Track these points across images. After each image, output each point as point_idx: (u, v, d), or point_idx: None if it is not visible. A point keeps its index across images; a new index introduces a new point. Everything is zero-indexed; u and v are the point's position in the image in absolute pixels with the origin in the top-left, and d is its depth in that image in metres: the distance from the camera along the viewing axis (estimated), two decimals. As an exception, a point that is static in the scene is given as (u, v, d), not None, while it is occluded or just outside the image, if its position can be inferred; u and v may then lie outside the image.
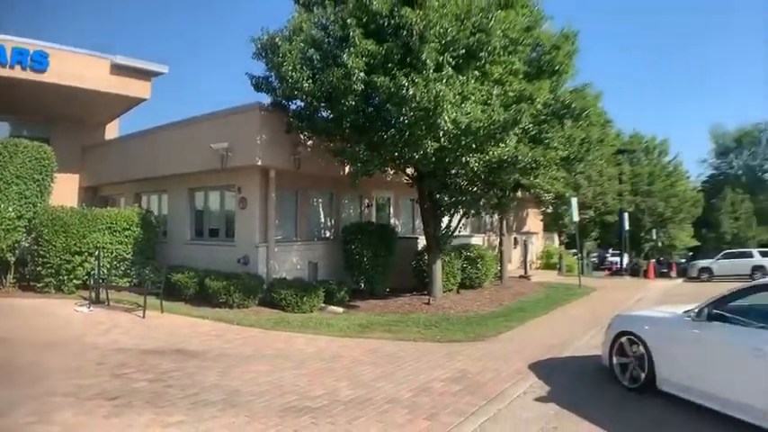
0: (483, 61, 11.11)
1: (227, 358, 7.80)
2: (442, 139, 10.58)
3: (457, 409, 5.79)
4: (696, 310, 6.16)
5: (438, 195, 12.84)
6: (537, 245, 28.04)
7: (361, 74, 10.41)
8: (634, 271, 33.24)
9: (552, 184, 14.43)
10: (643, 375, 6.63)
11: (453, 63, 10.54)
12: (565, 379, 7.27)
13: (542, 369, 7.63)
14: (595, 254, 47.99)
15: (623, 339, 7.05)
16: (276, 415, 5.44)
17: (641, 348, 6.70)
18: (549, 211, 26.57)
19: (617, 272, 32.68)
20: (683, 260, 42.86)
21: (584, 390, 6.85)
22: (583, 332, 10.35)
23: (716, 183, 68.06)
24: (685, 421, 5.68)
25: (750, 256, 32.71)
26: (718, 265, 31.58)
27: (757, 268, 29.37)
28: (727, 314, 5.83)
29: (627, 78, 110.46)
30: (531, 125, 11.99)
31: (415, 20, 10.09)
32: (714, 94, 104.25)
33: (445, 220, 13.94)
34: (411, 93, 9.83)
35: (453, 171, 12.14)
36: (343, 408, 5.73)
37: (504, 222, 19.35)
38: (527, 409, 6.02)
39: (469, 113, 10.41)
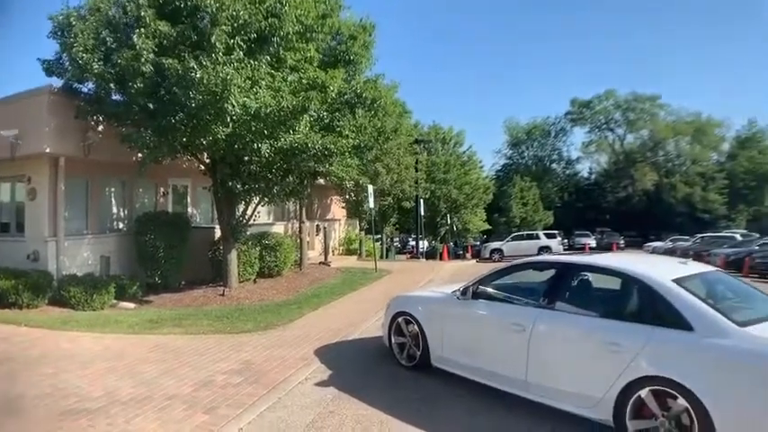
0: (276, 47, 11.53)
1: (13, 362, 7.46)
2: (231, 125, 10.81)
3: (237, 401, 5.96)
4: (461, 289, 6.69)
5: (231, 183, 12.94)
6: (340, 231, 29.04)
7: (151, 55, 10.31)
8: (431, 254, 35.71)
9: (347, 171, 15.19)
10: (418, 354, 7.13)
11: (245, 47, 10.84)
12: (348, 362, 7.73)
13: (328, 353, 8.07)
14: (398, 238, 50.81)
15: (400, 319, 7.53)
16: (56, 419, 5.38)
17: (416, 327, 7.22)
18: (353, 198, 27.60)
19: (415, 255, 34.86)
20: (478, 243, 47.17)
21: (365, 371, 7.29)
22: (372, 314, 10.89)
23: (508, 171, 76.37)
24: (457, 396, 6.21)
25: (537, 237, 37.32)
26: (508, 246, 35.39)
27: (543, 248, 33.29)
28: (491, 292, 6.41)
29: (435, 73, 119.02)
30: (324, 113, 12.60)
31: (209, 1, 10.23)
32: (511, 91, 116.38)
33: (242, 208, 14.10)
34: (199, 76, 9.97)
35: (246, 158, 12.38)
36: (122, 407, 5.74)
37: (304, 209, 19.90)
38: (307, 394, 6.32)
39: (259, 99, 10.74)
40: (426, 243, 40.62)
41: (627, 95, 75.34)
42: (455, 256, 39.11)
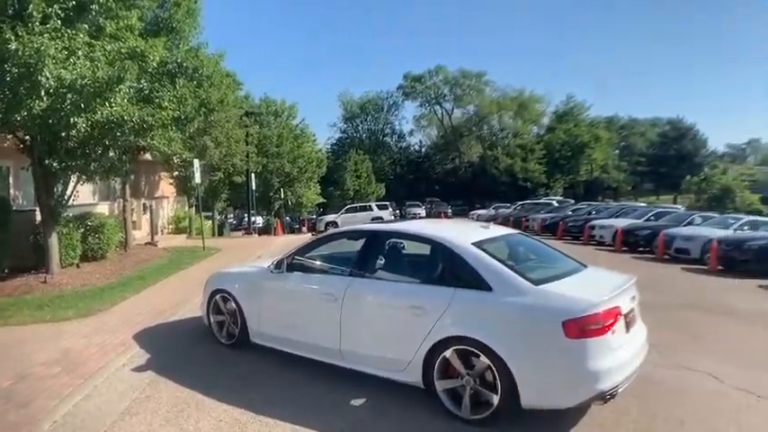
0: (95, 14, 11.16)
1: None
2: (46, 98, 10.32)
3: (54, 392, 5.84)
4: (275, 263, 6.82)
5: (48, 161, 12.30)
6: (168, 209, 28.32)
7: None
8: (266, 229, 35.80)
9: (169, 145, 14.84)
10: (237, 331, 7.20)
11: (62, 15, 10.38)
12: (168, 344, 7.73)
13: (148, 337, 8.04)
14: (232, 215, 50.36)
15: (218, 297, 7.55)
16: None
17: (233, 304, 7.24)
18: (181, 174, 26.87)
19: (249, 231, 34.82)
20: (314, 216, 47.97)
21: (185, 352, 7.35)
22: (196, 294, 10.30)
23: (343, 145, 78.45)
24: (276, 371, 6.41)
25: (370, 209, 38.91)
26: (342, 218, 36.50)
27: (376, 219, 34.42)
28: (305, 263, 6.57)
29: (271, 46, 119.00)
30: (144, 84, 12.33)
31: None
32: (348, 65, 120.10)
33: (61, 187, 13.39)
34: (14, 47, 9.47)
35: (63, 134, 11.85)
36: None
37: (128, 187, 19.22)
38: (123, 380, 6.28)
39: (76, 70, 10.38)
40: (261, 218, 40.59)
41: (455, 71, 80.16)
42: (290, 230, 39.58)
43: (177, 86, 13.55)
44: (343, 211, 39.12)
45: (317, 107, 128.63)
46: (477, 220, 37.85)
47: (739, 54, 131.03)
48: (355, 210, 39.13)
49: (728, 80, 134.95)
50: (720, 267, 14.95)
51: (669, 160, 70.31)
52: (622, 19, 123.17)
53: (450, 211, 53.72)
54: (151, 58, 11.84)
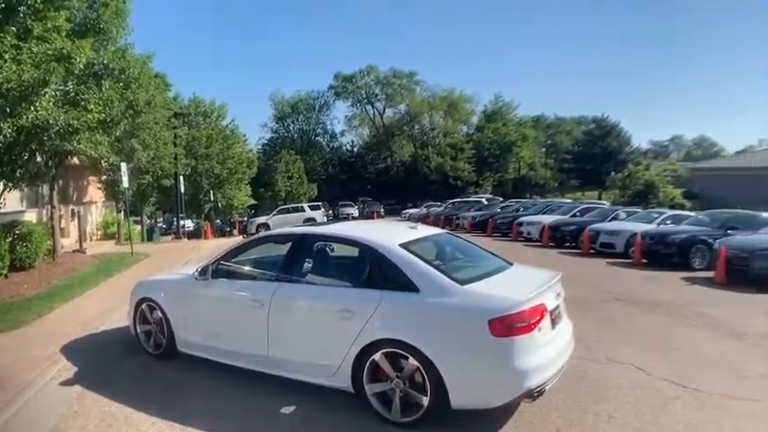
0: (23, 16, 11.02)
1: None
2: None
3: None
4: (200, 269, 6.61)
5: (-28, 170, 12.00)
6: (97, 215, 27.66)
7: None
8: (196, 233, 35.35)
9: (96, 149, 14.55)
10: (164, 340, 6.99)
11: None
12: (96, 356, 7.57)
13: (75, 349, 7.86)
14: (162, 219, 49.52)
15: (144, 306, 7.30)
16: None
17: (159, 313, 7.03)
18: (111, 178, 26.22)
19: (179, 235, 34.33)
20: (245, 218, 47.64)
21: (113, 364, 7.18)
22: (124, 303, 10.03)
23: (275, 145, 78.23)
24: (203, 381, 6.32)
25: (302, 210, 38.90)
26: (274, 220, 36.37)
27: (308, 220, 34.40)
28: (231, 269, 6.43)
29: (201, 45, 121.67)
30: (71, 86, 12.12)
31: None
32: (279, 65, 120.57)
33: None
34: None
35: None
36: None
37: (56, 193, 18.74)
38: (51, 396, 6.16)
39: (2, 74, 10.20)
40: (191, 222, 40.03)
41: (386, 71, 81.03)
42: (221, 233, 39.14)
43: (103, 88, 13.36)
44: (274, 212, 38.89)
45: (248, 107, 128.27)
46: (409, 218, 38.30)
47: (661, 53, 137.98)
48: (287, 211, 38.97)
49: (652, 78, 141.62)
50: (644, 261, 15.68)
51: (594, 157, 72.28)
52: (548, 20, 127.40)
53: (383, 210, 54.32)
54: (77, 59, 11.67)
